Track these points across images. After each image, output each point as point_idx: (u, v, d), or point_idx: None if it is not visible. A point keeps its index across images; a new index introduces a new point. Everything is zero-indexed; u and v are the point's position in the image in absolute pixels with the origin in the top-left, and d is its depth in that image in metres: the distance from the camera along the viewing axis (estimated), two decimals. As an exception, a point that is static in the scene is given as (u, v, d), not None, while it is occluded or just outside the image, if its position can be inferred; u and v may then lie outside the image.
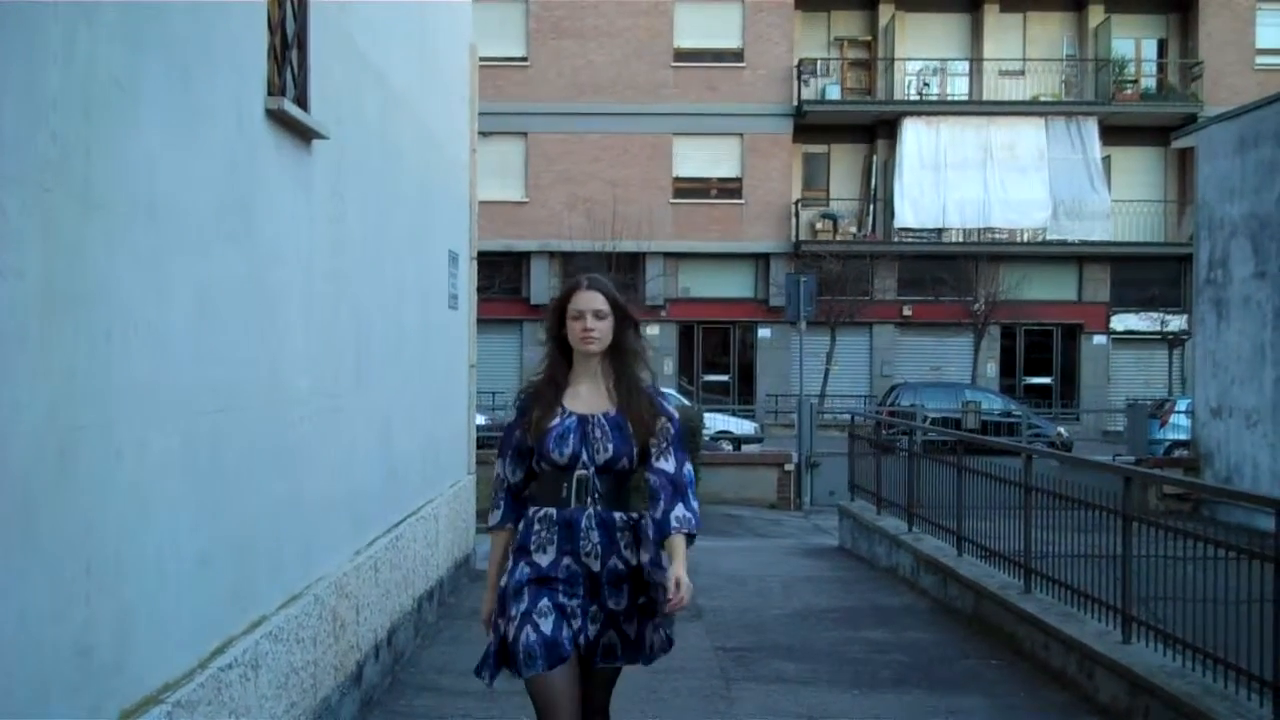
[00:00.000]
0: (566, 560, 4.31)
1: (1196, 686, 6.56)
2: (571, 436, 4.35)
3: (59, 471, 3.44)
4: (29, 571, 3.29)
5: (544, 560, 4.32)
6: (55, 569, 3.44)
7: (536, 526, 4.36)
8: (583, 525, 4.32)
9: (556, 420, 4.37)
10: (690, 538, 4.34)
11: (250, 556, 5.14)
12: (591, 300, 4.40)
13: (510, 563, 4.43)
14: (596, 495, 4.35)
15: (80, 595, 3.58)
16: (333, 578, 6.36)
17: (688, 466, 4.46)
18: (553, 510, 4.36)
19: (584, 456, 4.34)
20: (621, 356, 4.47)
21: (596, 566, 4.31)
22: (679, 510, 4.34)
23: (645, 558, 4.38)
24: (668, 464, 4.41)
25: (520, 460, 4.51)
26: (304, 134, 5.83)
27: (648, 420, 4.40)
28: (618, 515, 4.38)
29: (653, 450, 4.42)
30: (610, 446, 4.35)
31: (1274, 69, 34.18)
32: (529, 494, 4.52)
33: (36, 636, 3.33)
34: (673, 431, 4.46)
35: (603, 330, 4.40)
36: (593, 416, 4.39)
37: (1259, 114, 16.19)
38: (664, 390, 4.76)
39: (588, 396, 4.44)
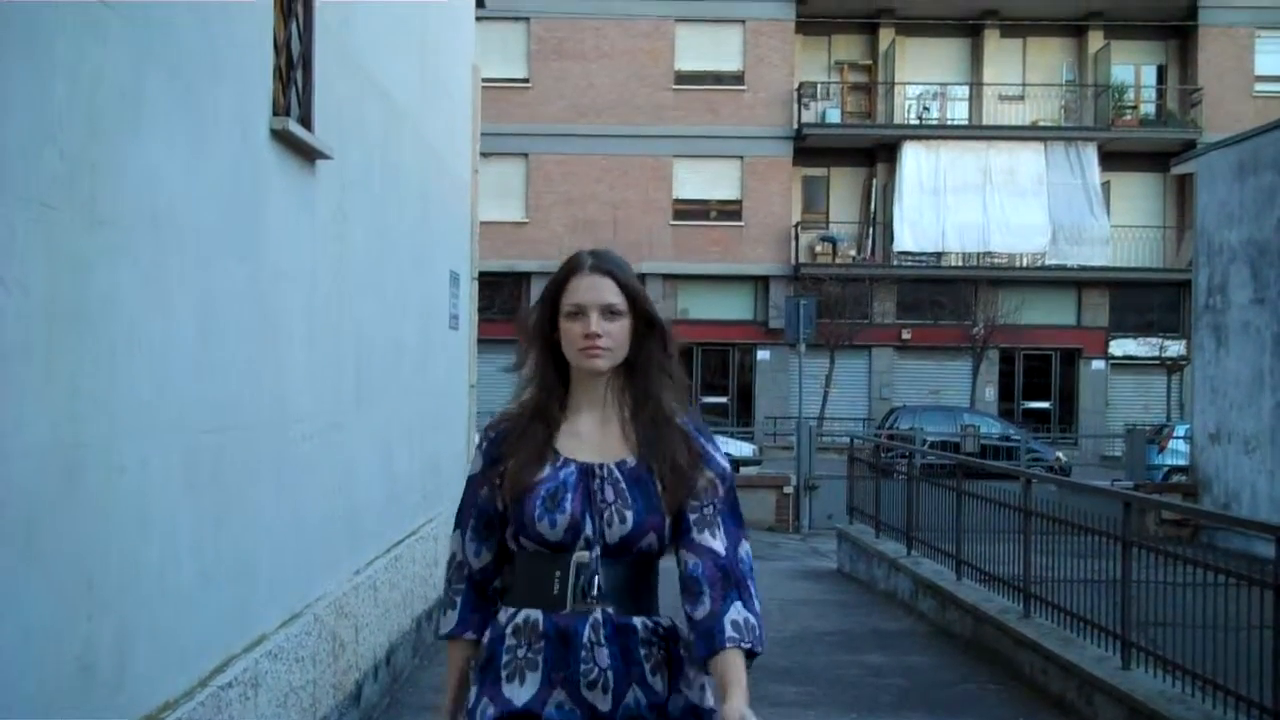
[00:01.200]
0: (558, 695, 2.78)
1: (1197, 713, 6.55)
2: (569, 498, 2.82)
3: (62, 488, 3.44)
4: (31, 588, 3.28)
5: (521, 694, 2.79)
6: (57, 586, 3.44)
7: (511, 640, 2.82)
8: (585, 638, 2.77)
9: (546, 472, 2.84)
10: (751, 656, 2.75)
11: (250, 575, 5.14)
12: (598, 289, 2.86)
13: (471, 695, 2.88)
14: (606, 591, 2.81)
15: (82, 612, 3.58)
16: (332, 597, 6.35)
17: (745, 546, 2.87)
18: (537, 615, 2.81)
19: (588, 529, 2.82)
20: (643, 376, 2.92)
21: (606, 705, 2.78)
22: (735, 612, 2.76)
23: (686, 693, 2.86)
24: (716, 540, 2.83)
25: (487, 533, 2.96)
26: (308, 154, 5.85)
27: (686, 473, 2.86)
28: (639, 622, 2.83)
29: (692, 519, 2.85)
30: (629, 515, 2.82)
31: (1273, 95, 34.28)
32: (500, 585, 3.00)
33: (39, 653, 3.32)
34: (723, 492, 2.89)
35: (615, 336, 2.85)
36: (601, 467, 2.85)
37: (1258, 140, 16.23)
38: (705, 427, 3.03)
39: (592, 436, 2.90)
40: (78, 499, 3.53)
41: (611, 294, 2.85)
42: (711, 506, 2.85)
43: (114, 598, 3.78)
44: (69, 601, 3.50)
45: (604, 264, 2.89)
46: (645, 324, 2.90)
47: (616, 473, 2.83)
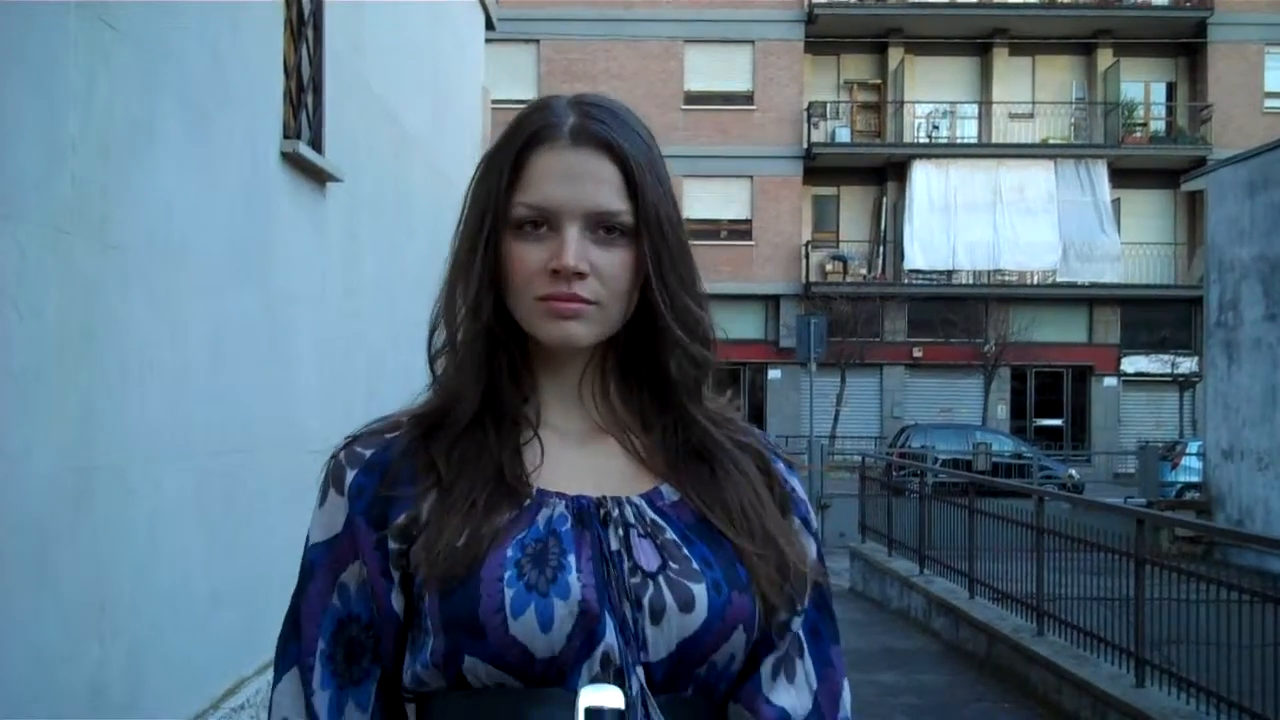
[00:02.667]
0: None
1: (1211, 731, 6.52)
2: (569, 561, 1.29)
3: (73, 511, 3.46)
4: (43, 611, 3.29)
5: None
6: (69, 608, 3.45)
7: None
8: None
9: (507, 516, 1.32)
10: None
11: (262, 596, 5.14)
12: (583, 178, 1.36)
13: None
14: None
15: (94, 635, 3.59)
16: (343, 618, 6.36)
17: (847, 698, 1.49)
18: None
19: (610, 633, 1.28)
20: (661, 344, 1.41)
21: None
22: None
23: None
24: (802, 696, 1.43)
25: (357, 674, 1.39)
26: (319, 176, 5.87)
27: (797, 570, 1.39)
28: None
29: (766, 659, 1.40)
30: (695, 591, 1.31)
31: (1283, 112, 34.27)
32: None
33: (50, 676, 3.33)
34: (827, 596, 1.49)
35: (610, 277, 1.36)
36: (615, 503, 1.36)
37: (1269, 157, 16.21)
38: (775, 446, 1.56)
39: (575, 454, 1.42)
40: (89, 521, 3.55)
41: (609, 191, 1.35)
42: (801, 622, 1.43)
43: (125, 620, 3.79)
44: (81, 624, 3.51)
45: (597, 124, 1.38)
46: (660, 250, 1.38)
47: (649, 511, 1.35)
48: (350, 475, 1.40)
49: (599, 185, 1.36)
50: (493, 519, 1.30)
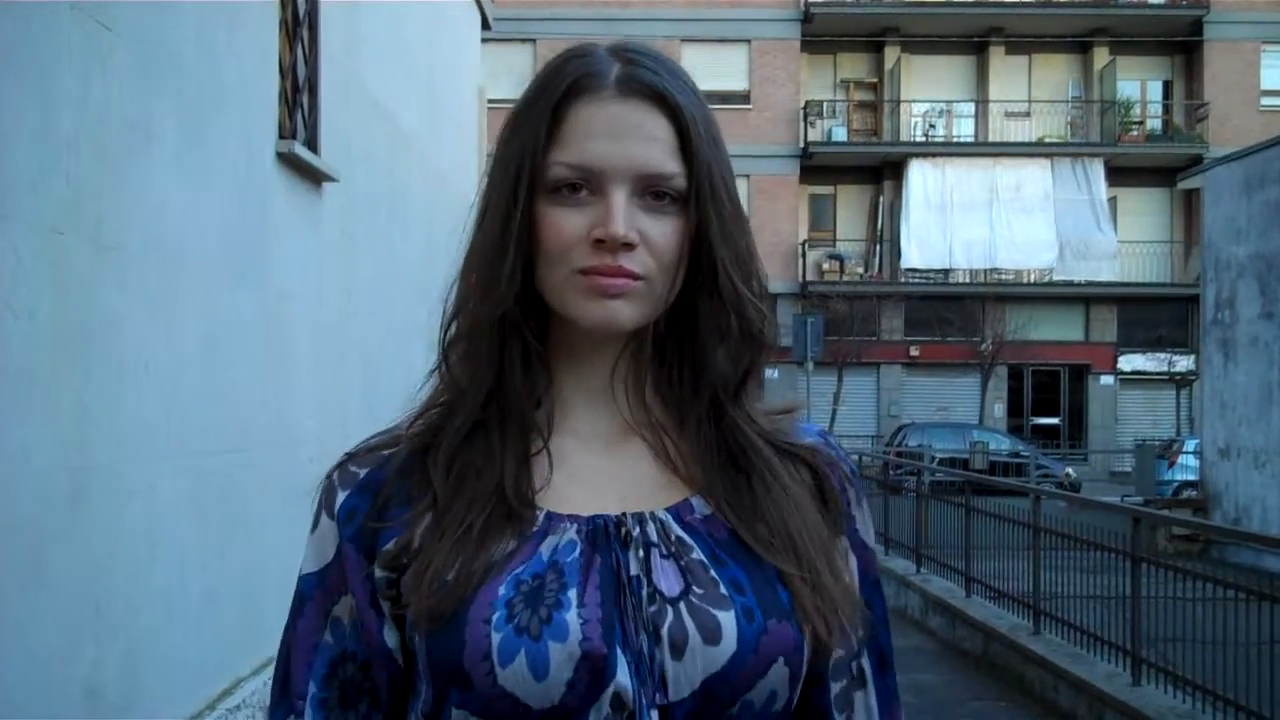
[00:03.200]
0: None
1: (1207, 729, 6.53)
2: (571, 595, 1.11)
3: (69, 511, 3.46)
4: (39, 612, 3.29)
5: None
6: (64, 609, 3.44)
7: None
8: None
9: (509, 546, 1.14)
10: None
11: (258, 596, 5.14)
12: (633, 136, 1.17)
13: None
14: None
15: (89, 636, 3.58)
16: (340, 619, 6.36)
17: None
18: None
19: (622, 671, 1.09)
20: (706, 329, 1.23)
21: None
22: None
23: None
24: (870, 716, 1.30)
25: (350, 708, 1.23)
26: (314, 176, 5.87)
27: (853, 604, 1.22)
28: None
29: (831, 674, 1.25)
30: (721, 621, 1.11)
31: (1279, 110, 34.28)
32: None
33: (46, 677, 3.33)
34: (885, 622, 1.33)
35: (660, 249, 1.17)
36: (635, 520, 1.17)
37: (1265, 155, 16.22)
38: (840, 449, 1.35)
39: (600, 463, 1.23)
40: (85, 522, 3.55)
41: (661, 150, 1.18)
42: (860, 658, 1.29)
43: (121, 621, 3.79)
44: (76, 625, 3.51)
45: (647, 74, 1.20)
46: (716, 220, 1.20)
47: (675, 527, 1.18)
48: (341, 497, 1.26)
49: (650, 143, 1.17)
50: (489, 548, 1.13)
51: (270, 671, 5.13)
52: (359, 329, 6.87)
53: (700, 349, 1.22)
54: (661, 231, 1.16)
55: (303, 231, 5.79)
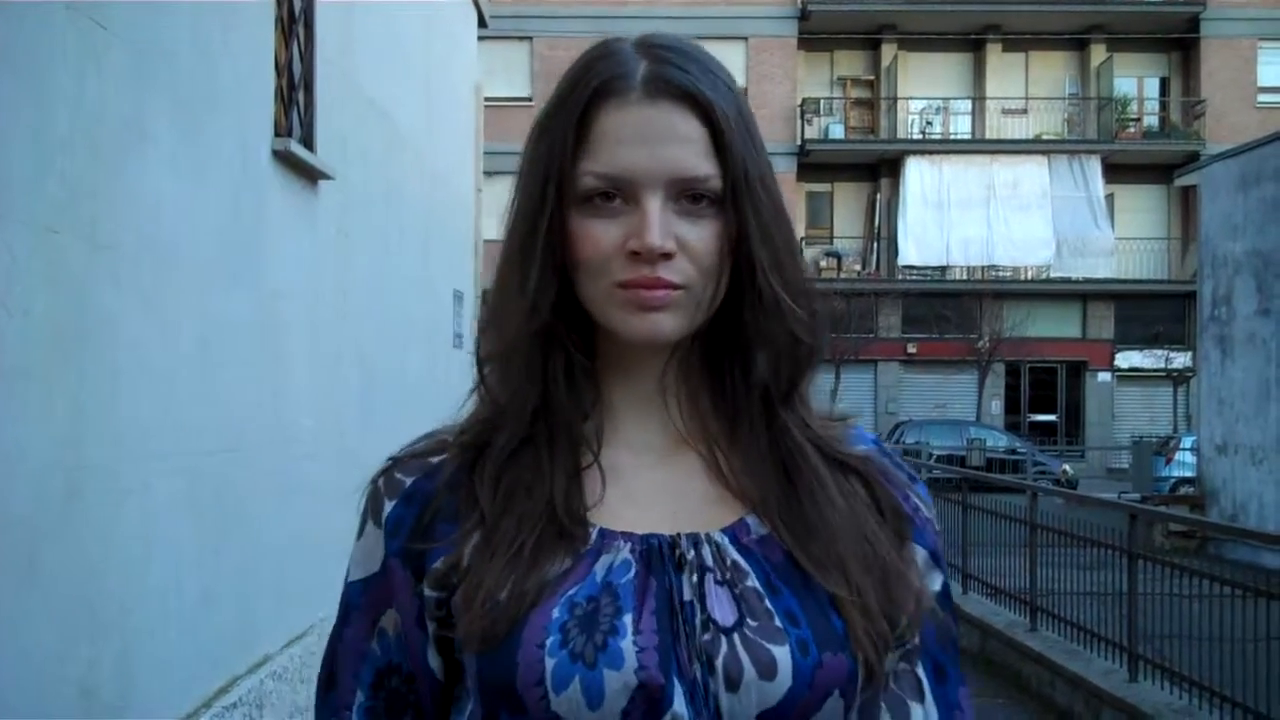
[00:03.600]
0: None
1: (1204, 725, 6.53)
2: (627, 621, 1.08)
3: (64, 511, 3.45)
4: (33, 611, 3.29)
5: None
6: (59, 609, 3.44)
7: None
8: None
9: (563, 566, 1.12)
10: None
11: (254, 595, 5.14)
12: (665, 139, 1.13)
13: None
14: None
15: (84, 635, 3.58)
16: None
17: None
18: None
19: (679, 700, 1.06)
20: (750, 334, 1.19)
21: None
22: None
23: None
24: None
25: (397, 719, 1.22)
26: (310, 174, 5.87)
27: (905, 607, 1.16)
28: None
29: (893, 684, 1.22)
30: (776, 653, 1.08)
31: (1276, 106, 34.25)
32: None
33: (40, 677, 3.33)
34: (952, 632, 1.28)
35: (699, 256, 1.13)
36: (690, 541, 1.14)
37: (1261, 152, 16.22)
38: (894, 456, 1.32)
39: (654, 480, 1.20)
40: (79, 521, 3.54)
41: (693, 152, 1.14)
42: (916, 667, 1.24)
43: (116, 620, 3.79)
44: (70, 625, 3.51)
45: (675, 71, 1.16)
46: (754, 219, 1.15)
47: (731, 551, 1.15)
48: (388, 507, 1.23)
49: (681, 146, 1.13)
50: (541, 568, 1.10)
51: (266, 668, 5.14)
52: (355, 328, 6.86)
53: (745, 353, 1.18)
54: (700, 236, 1.13)
55: (299, 230, 5.79)
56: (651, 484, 1.18)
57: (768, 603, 1.10)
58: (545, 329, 1.16)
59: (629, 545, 1.12)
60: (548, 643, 1.06)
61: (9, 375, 3.15)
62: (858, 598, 1.11)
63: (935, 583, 1.23)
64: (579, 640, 1.06)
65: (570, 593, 1.09)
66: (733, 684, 1.06)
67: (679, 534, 1.13)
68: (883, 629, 1.11)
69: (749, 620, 1.09)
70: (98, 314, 3.66)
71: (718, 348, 1.19)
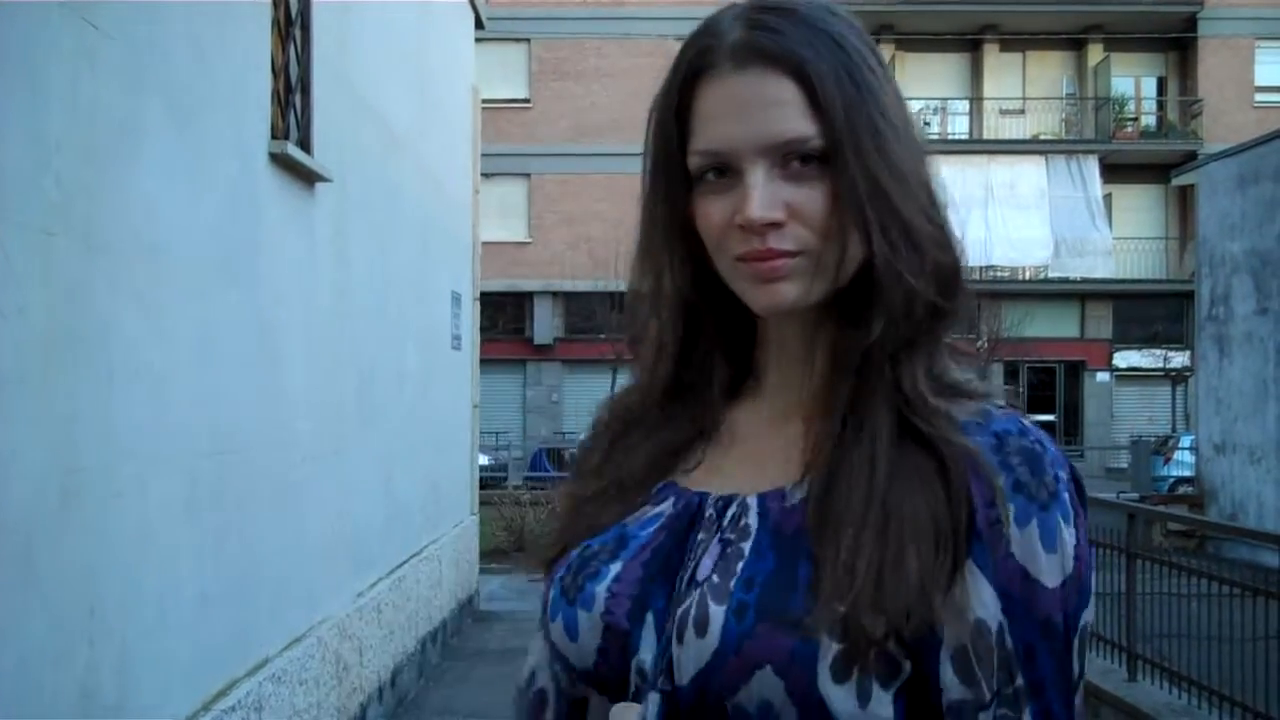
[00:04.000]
0: None
1: (1203, 725, 6.53)
2: (614, 568, 1.14)
3: (61, 514, 3.45)
4: (30, 614, 3.28)
5: None
6: (57, 612, 3.44)
7: None
8: None
9: (609, 518, 1.19)
10: None
11: (252, 598, 5.13)
12: (754, 106, 1.11)
13: None
14: None
15: (82, 638, 3.58)
16: (335, 619, 6.35)
17: None
18: None
19: (644, 649, 1.10)
20: (874, 293, 1.12)
21: None
22: None
23: None
24: None
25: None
26: (307, 177, 5.86)
27: (921, 593, 1.03)
28: None
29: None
30: (717, 616, 1.06)
31: (1273, 106, 34.26)
32: None
33: (38, 680, 3.32)
34: (1040, 684, 1.04)
35: (810, 218, 1.10)
36: (721, 504, 1.15)
37: (1259, 151, 16.23)
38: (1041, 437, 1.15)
39: (759, 443, 1.20)
40: (77, 524, 3.54)
41: (789, 114, 1.11)
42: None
43: (115, 623, 3.78)
44: (69, 627, 3.50)
45: (764, 35, 1.12)
46: (861, 173, 1.10)
47: (750, 515, 1.13)
48: (578, 453, 1.33)
49: (775, 109, 1.09)
50: (599, 515, 1.19)
51: (265, 671, 5.14)
52: (352, 330, 6.86)
53: (864, 315, 1.12)
54: (810, 198, 1.10)
55: (296, 232, 5.78)
56: (758, 449, 1.18)
57: (739, 564, 1.08)
58: (685, 306, 1.19)
59: (671, 501, 1.16)
60: (557, 578, 1.16)
61: (4, 378, 3.14)
62: (845, 576, 1.02)
63: (986, 609, 1.03)
64: (569, 580, 1.14)
65: (592, 539, 1.16)
66: (680, 636, 1.06)
67: (711, 494, 1.15)
68: (863, 620, 1.01)
69: (714, 578, 1.08)
70: (93, 316, 3.65)
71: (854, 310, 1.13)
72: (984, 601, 1.03)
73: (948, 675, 1.02)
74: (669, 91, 1.18)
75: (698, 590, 1.07)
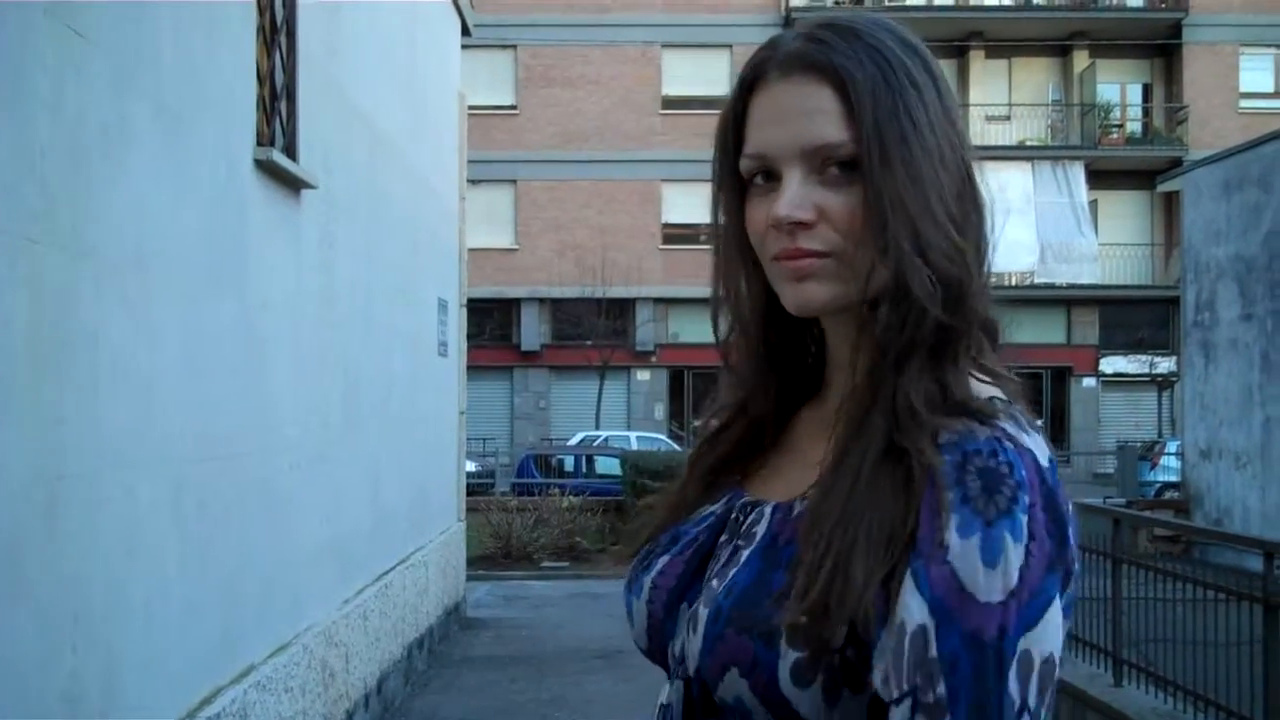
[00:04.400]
0: None
1: (1188, 729, 6.54)
2: (662, 562, 1.28)
3: (47, 520, 3.44)
4: (16, 621, 3.28)
5: None
6: (42, 618, 3.43)
7: None
8: None
9: (680, 520, 1.32)
10: None
11: (238, 605, 5.13)
12: (792, 112, 1.17)
13: None
14: None
15: (67, 644, 3.57)
16: (322, 626, 6.34)
17: None
18: None
19: (680, 636, 1.22)
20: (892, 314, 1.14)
21: None
22: None
23: None
24: None
25: None
26: (293, 183, 5.86)
27: (833, 573, 1.07)
28: None
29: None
30: (703, 614, 1.17)
31: (1258, 112, 34.39)
32: None
33: (23, 686, 3.31)
34: (953, 675, 1.02)
35: (841, 221, 1.15)
36: (750, 509, 1.25)
37: (1243, 157, 16.28)
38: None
39: (808, 450, 1.25)
40: (62, 530, 3.53)
41: (824, 121, 1.16)
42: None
43: (100, 629, 3.78)
44: (54, 633, 3.49)
45: (813, 46, 1.19)
46: (885, 180, 1.14)
47: (762, 523, 1.21)
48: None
49: (812, 116, 1.16)
50: (669, 514, 1.31)
51: (250, 678, 5.13)
52: (339, 336, 6.86)
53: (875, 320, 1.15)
54: (841, 202, 1.14)
55: (281, 239, 5.78)
56: (804, 456, 1.23)
57: (732, 570, 1.16)
58: (760, 314, 1.26)
59: (724, 502, 1.27)
60: (630, 569, 1.30)
61: (-10, 385, 3.14)
62: (803, 588, 1.06)
63: (913, 617, 1.03)
64: (633, 572, 1.28)
65: (660, 535, 1.29)
66: (687, 631, 1.18)
67: (742, 501, 1.25)
68: (819, 628, 1.04)
69: (713, 581, 1.18)
70: (79, 323, 3.65)
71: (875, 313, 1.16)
72: (908, 604, 1.03)
73: (876, 674, 1.04)
74: (729, 102, 1.24)
75: (706, 590, 1.18)
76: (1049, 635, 1.03)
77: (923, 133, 1.16)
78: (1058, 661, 1.05)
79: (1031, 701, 1.02)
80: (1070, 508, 1.09)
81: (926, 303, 1.13)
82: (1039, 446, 1.11)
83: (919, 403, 1.11)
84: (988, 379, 1.18)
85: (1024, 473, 1.06)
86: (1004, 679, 1.01)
